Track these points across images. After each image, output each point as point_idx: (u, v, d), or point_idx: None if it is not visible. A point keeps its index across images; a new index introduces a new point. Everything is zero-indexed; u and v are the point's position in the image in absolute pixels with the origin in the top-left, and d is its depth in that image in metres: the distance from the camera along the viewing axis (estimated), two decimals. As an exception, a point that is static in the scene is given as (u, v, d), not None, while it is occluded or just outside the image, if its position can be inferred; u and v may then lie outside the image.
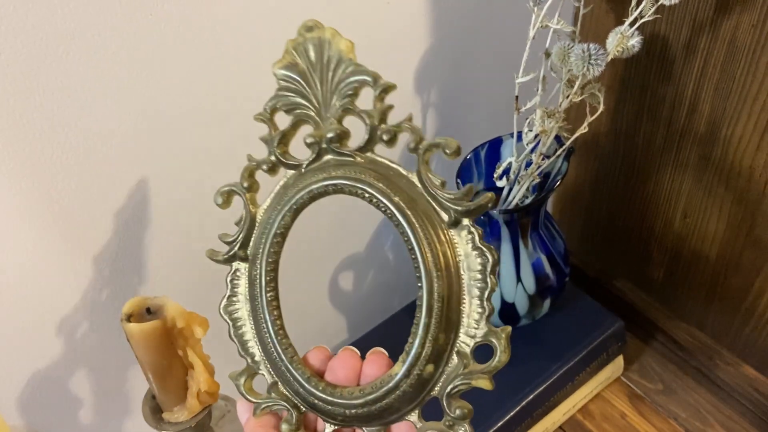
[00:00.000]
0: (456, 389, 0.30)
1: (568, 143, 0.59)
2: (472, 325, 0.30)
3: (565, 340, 0.68)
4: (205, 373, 0.44)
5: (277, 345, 0.33)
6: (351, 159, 0.32)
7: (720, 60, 0.61)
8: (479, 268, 0.30)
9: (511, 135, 0.63)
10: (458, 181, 0.64)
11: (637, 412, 0.71)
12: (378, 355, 0.32)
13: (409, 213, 0.30)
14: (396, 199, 0.30)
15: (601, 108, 0.58)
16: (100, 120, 0.47)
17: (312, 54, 0.32)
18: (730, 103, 0.62)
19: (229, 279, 0.35)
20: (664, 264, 0.79)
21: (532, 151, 0.61)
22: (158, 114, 0.49)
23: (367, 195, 0.31)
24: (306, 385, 0.33)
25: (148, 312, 0.43)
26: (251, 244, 0.34)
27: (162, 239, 0.54)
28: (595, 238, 0.88)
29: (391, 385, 0.31)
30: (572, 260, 0.83)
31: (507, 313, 0.66)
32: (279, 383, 0.34)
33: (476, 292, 0.30)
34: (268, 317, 0.33)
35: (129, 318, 0.42)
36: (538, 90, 0.60)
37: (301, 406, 0.34)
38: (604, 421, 0.71)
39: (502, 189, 0.64)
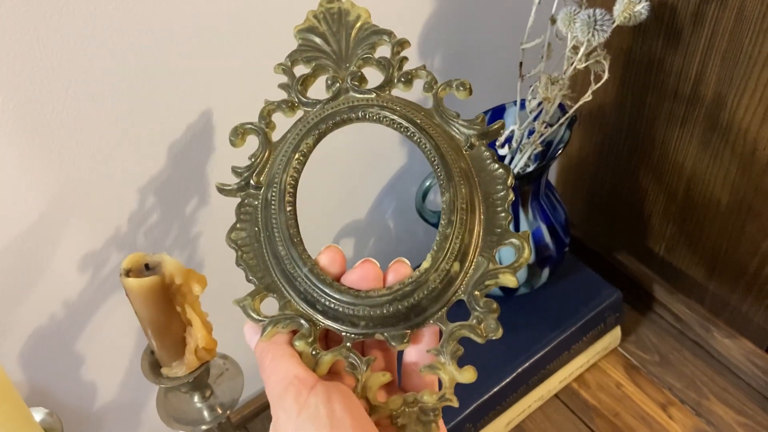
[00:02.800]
0: (483, 285, 0.32)
1: (571, 111, 0.59)
2: (495, 231, 0.33)
3: (562, 310, 0.69)
4: (203, 330, 0.45)
5: (294, 255, 0.32)
6: (371, 96, 0.35)
7: (728, 30, 0.60)
8: (499, 180, 0.33)
9: (515, 103, 0.63)
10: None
11: (632, 382, 0.72)
12: (402, 263, 0.32)
13: (430, 131, 0.33)
14: (418, 120, 0.34)
15: (605, 76, 0.57)
16: (99, 75, 0.46)
17: (330, 21, 0.36)
18: (737, 74, 0.61)
19: (237, 207, 0.34)
20: (666, 238, 0.79)
21: (535, 119, 0.60)
22: (158, 68, 0.49)
23: (388, 119, 0.34)
24: (328, 290, 0.31)
25: (147, 268, 0.43)
26: (266, 172, 0.34)
27: (164, 198, 0.55)
28: (598, 210, 0.88)
29: (420, 280, 0.31)
30: (575, 233, 0.83)
31: (506, 281, 0.66)
32: (292, 301, 0.32)
33: (498, 200, 0.33)
34: (285, 230, 0.32)
35: (128, 273, 0.42)
36: (542, 57, 0.59)
37: (318, 321, 0.32)
38: (599, 391, 0.72)
39: (504, 157, 0.64)
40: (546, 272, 0.67)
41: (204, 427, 0.50)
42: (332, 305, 0.32)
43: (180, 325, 0.45)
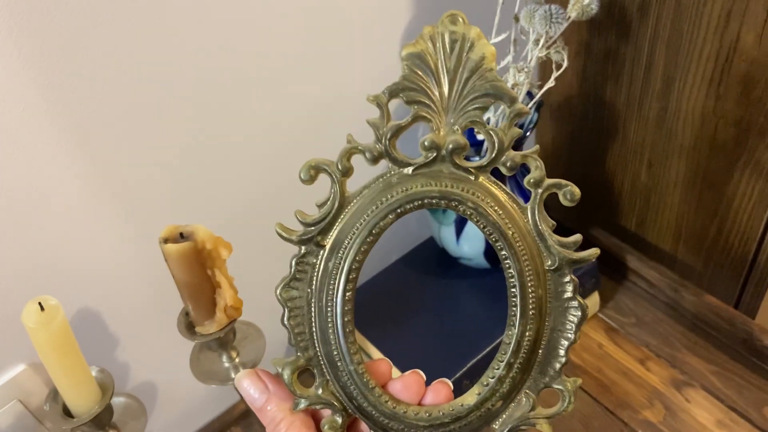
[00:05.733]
0: (518, 428, 0.32)
1: (538, 96, 0.67)
2: (548, 371, 0.31)
3: (544, 278, 0.76)
4: (231, 290, 0.52)
5: (343, 347, 0.31)
6: (468, 176, 0.31)
7: (669, 18, 0.69)
8: (571, 319, 0.31)
9: (489, 93, 0.71)
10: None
11: (612, 342, 0.79)
12: (443, 385, 0.33)
13: (519, 249, 0.30)
14: (509, 233, 0.30)
15: (565, 64, 0.66)
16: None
17: (449, 49, 0.30)
18: (681, 57, 0.70)
19: (294, 261, 0.31)
20: (635, 212, 0.88)
21: (507, 105, 0.69)
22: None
23: (482, 223, 0.31)
24: (369, 395, 0.31)
25: (182, 236, 0.50)
26: (334, 232, 0.31)
27: (196, 176, 0.62)
28: (573, 195, 0.96)
29: (460, 415, 0.31)
30: (551, 215, 0.91)
31: (491, 253, 0.74)
32: (330, 383, 0.32)
33: (562, 341, 0.31)
34: (339, 317, 0.31)
35: (166, 241, 0.50)
36: (509, 51, 0.68)
37: (350, 411, 0.32)
38: (583, 351, 0.79)
39: (482, 142, 0.72)
40: (527, 243, 0.75)
41: (231, 383, 0.57)
42: (368, 409, 0.31)
43: (210, 287, 0.52)
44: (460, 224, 0.73)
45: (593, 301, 0.81)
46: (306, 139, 0.69)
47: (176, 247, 0.49)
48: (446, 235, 0.75)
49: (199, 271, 0.51)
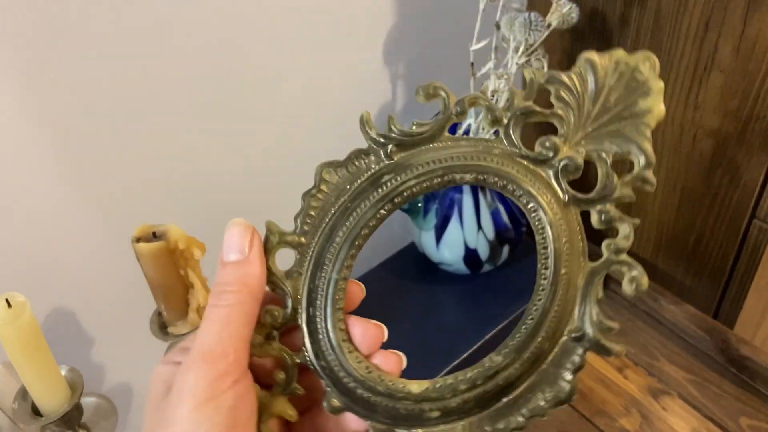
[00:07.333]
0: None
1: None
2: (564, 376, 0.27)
3: (523, 285, 0.76)
4: (204, 290, 0.52)
5: (341, 253, 0.28)
6: (562, 197, 0.29)
7: (649, 28, 0.70)
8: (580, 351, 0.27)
9: (470, 99, 0.72)
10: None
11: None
12: (396, 356, 0.30)
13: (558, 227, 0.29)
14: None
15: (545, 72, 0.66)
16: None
17: (626, 81, 0.28)
18: (660, 67, 0.71)
19: (355, 154, 0.29)
20: (616, 222, 0.88)
21: (488, 112, 0.69)
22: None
23: (532, 205, 0.29)
24: (331, 317, 0.29)
25: (154, 236, 0.50)
26: (409, 155, 0.29)
27: (170, 174, 0.62)
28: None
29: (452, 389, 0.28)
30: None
31: (471, 258, 0.74)
32: (302, 279, 0.29)
33: (578, 349, 0.27)
34: (359, 228, 0.28)
35: (138, 240, 0.50)
36: (491, 58, 0.68)
37: (299, 315, 0.29)
38: (562, 359, 0.79)
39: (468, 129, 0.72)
40: (506, 250, 0.75)
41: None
42: (319, 326, 0.29)
43: (183, 287, 0.52)
44: (441, 230, 0.74)
45: (573, 308, 0.81)
46: (283, 141, 0.69)
47: (148, 247, 0.49)
48: (427, 240, 0.75)
49: (171, 271, 0.51)
